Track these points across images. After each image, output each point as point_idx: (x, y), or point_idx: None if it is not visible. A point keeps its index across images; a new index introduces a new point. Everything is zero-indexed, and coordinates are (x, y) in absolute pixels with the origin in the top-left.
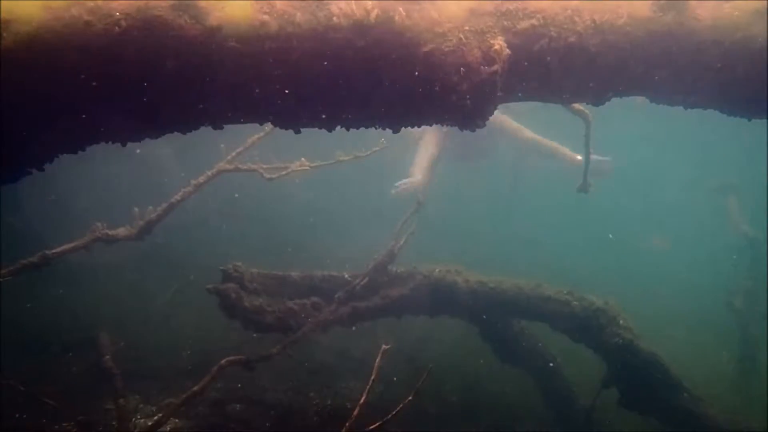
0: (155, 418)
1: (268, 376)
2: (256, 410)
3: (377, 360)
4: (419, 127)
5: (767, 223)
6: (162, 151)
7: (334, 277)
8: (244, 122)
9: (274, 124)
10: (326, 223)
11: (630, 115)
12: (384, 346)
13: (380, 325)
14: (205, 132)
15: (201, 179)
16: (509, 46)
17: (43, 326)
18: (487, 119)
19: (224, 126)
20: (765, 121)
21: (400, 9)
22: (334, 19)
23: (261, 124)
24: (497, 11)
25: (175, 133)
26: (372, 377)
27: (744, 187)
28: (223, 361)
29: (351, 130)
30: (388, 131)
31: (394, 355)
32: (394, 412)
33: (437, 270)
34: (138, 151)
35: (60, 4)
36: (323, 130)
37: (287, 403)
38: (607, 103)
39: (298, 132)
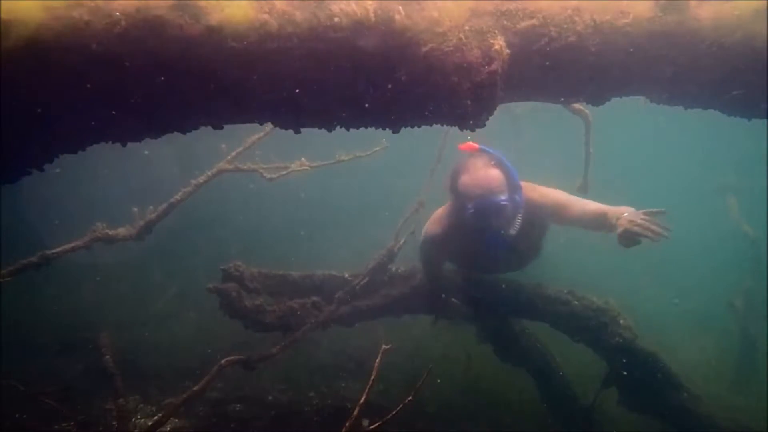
0: (155, 418)
1: (268, 376)
2: (256, 410)
3: (377, 360)
4: (419, 127)
5: (767, 223)
6: (162, 151)
7: (334, 276)
8: (244, 122)
9: (274, 124)
10: (326, 222)
11: (630, 116)
12: (384, 346)
13: (380, 324)
14: (205, 132)
15: (201, 179)
16: (509, 46)
17: (43, 326)
18: (487, 119)
19: (224, 126)
20: (765, 121)
21: (400, 8)
22: (335, 19)
23: (261, 124)
24: (497, 11)
25: (175, 133)
26: (372, 377)
27: (744, 187)
28: (223, 361)
29: (351, 130)
30: (388, 131)
31: (394, 355)
32: (394, 412)
33: None
34: (146, 152)
35: (60, 5)
36: (323, 130)
37: (287, 403)
38: (606, 103)
39: (298, 132)
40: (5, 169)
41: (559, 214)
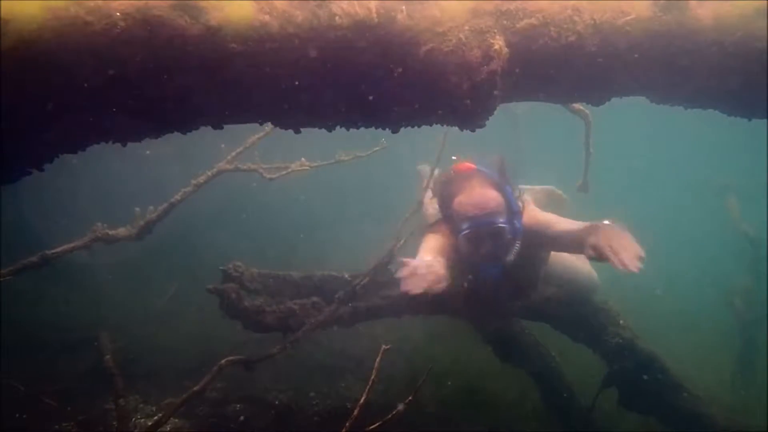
0: (155, 418)
1: (268, 376)
2: (256, 410)
3: (377, 360)
4: (419, 127)
5: (767, 223)
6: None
7: (334, 277)
8: (244, 122)
9: (274, 124)
10: (326, 222)
11: (630, 115)
12: (384, 346)
13: (380, 325)
14: (205, 132)
15: (201, 179)
16: (509, 46)
17: (43, 326)
18: (487, 119)
19: (224, 126)
20: (765, 121)
21: (403, 8)
22: (336, 18)
23: (261, 124)
24: (497, 11)
25: (175, 133)
26: (372, 377)
27: (744, 187)
28: (223, 361)
29: (351, 130)
30: (388, 131)
31: (394, 355)
32: (394, 412)
33: None
34: (147, 152)
35: (60, 4)
36: (323, 130)
37: (287, 403)
38: (606, 103)
39: (298, 132)
40: (5, 169)
41: (550, 237)
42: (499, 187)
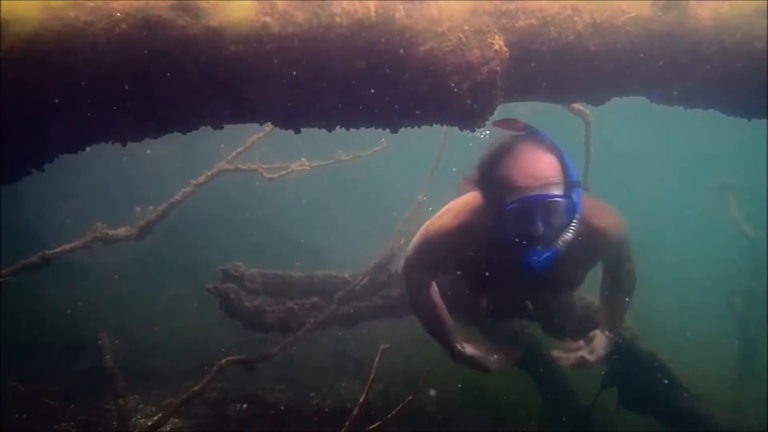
0: (155, 418)
1: (268, 376)
2: (256, 410)
3: (377, 360)
4: (419, 127)
5: (767, 223)
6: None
7: (334, 277)
8: (245, 122)
9: (274, 124)
10: (326, 222)
11: (630, 115)
12: (384, 346)
13: (380, 325)
14: (205, 132)
15: (201, 179)
16: (508, 45)
17: (43, 326)
18: (487, 119)
19: (224, 126)
20: (765, 121)
21: (401, 8)
22: (336, 18)
23: (261, 124)
24: (497, 11)
25: (175, 133)
26: (371, 377)
27: (744, 187)
28: (223, 361)
29: (351, 130)
30: (388, 131)
31: (394, 355)
32: (393, 412)
33: None
34: (148, 151)
35: (59, 5)
36: (323, 130)
37: (287, 403)
38: (606, 103)
39: (298, 132)
40: (5, 169)
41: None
42: (555, 150)
